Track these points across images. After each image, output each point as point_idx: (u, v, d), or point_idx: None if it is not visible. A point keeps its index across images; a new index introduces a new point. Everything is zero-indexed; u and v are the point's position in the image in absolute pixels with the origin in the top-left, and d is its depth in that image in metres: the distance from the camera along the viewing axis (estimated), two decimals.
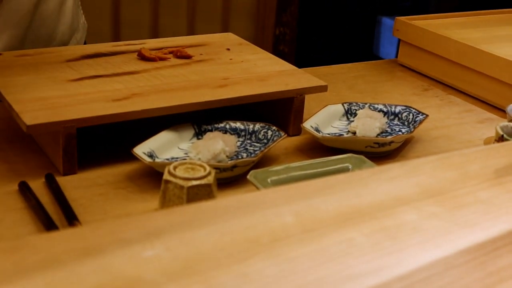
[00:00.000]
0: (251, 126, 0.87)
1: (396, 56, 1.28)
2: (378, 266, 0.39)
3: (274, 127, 0.86)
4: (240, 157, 0.82)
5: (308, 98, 0.92)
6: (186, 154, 0.81)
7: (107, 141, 0.86)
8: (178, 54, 0.98)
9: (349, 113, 0.95)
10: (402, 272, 0.38)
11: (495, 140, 0.85)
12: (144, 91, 0.85)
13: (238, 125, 0.87)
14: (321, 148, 0.88)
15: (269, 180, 0.73)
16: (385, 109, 0.96)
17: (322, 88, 0.93)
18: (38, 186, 0.74)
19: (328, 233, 0.42)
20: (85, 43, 1.17)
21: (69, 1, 1.12)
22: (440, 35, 1.16)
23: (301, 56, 2.89)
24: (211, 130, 0.85)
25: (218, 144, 0.79)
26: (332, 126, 0.92)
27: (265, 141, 0.85)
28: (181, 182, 0.65)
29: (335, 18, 3.04)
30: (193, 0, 2.62)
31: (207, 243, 0.39)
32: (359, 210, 0.45)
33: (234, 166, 0.76)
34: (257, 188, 0.71)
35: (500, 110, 1.07)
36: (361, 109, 0.94)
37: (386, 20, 3.07)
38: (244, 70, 0.95)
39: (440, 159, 0.53)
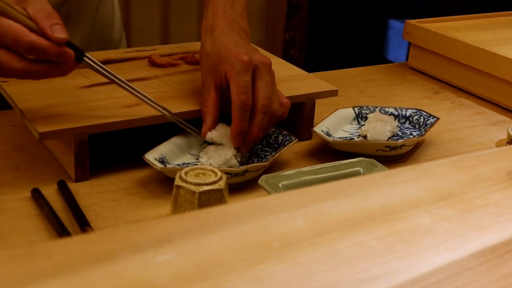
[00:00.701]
0: None
1: (406, 59, 1.28)
2: (390, 269, 0.39)
3: (285, 132, 0.86)
4: (251, 162, 0.82)
5: (318, 103, 0.92)
6: (197, 159, 0.81)
7: (118, 148, 0.86)
8: (189, 60, 0.98)
9: (360, 117, 0.95)
10: (414, 275, 0.38)
11: (507, 142, 0.85)
12: (155, 97, 0.85)
13: None
14: (332, 152, 0.88)
15: (280, 184, 0.73)
16: (396, 113, 0.95)
17: (333, 93, 0.93)
18: (50, 193, 0.74)
19: (340, 237, 0.42)
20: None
21: (116, 4, 1.15)
22: (451, 38, 1.15)
23: (311, 60, 2.89)
24: None
25: (229, 150, 0.79)
26: (343, 130, 0.92)
27: (276, 145, 0.85)
28: (192, 188, 0.65)
29: (344, 22, 3.04)
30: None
31: (219, 248, 0.40)
32: (371, 214, 0.45)
33: (245, 171, 0.76)
34: (268, 193, 0.71)
35: (511, 112, 1.07)
36: (372, 112, 0.94)
37: (395, 23, 3.07)
38: None
39: (451, 162, 0.53)
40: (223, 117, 0.84)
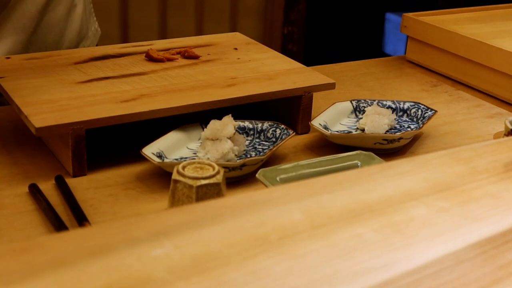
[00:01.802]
0: (259, 125, 0.87)
1: (405, 53, 1.28)
2: (387, 261, 0.39)
3: (282, 126, 0.86)
4: (249, 156, 0.82)
5: (316, 96, 0.92)
6: (195, 154, 0.81)
7: (116, 142, 0.86)
8: (186, 54, 0.98)
9: (358, 110, 0.95)
10: (411, 267, 0.38)
11: (505, 135, 0.85)
12: (152, 91, 0.85)
13: (247, 124, 0.87)
14: (330, 145, 0.88)
15: (278, 178, 0.73)
16: (393, 106, 0.95)
17: (330, 86, 0.93)
18: (48, 188, 0.74)
19: (337, 229, 0.42)
20: None
21: (78, 8, 1.13)
22: (448, 31, 1.15)
23: (309, 54, 2.89)
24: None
25: (227, 144, 0.79)
26: (340, 124, 0.92)
27: (273, 139, 0.85)
28: (190, 182, 0.65)
29: (343, 16, 3.04)
30: (201, 1, 2.62)
31: (216, 241, 0.40)
32: (368, 206, 0.45)
33: (243, 165, 0.76)
34: (266, 187, 0.71)
35: (509, 105, 1.07)
36: (370, 106, 0.94)
37: (393, 17, 3.07)
38: (252, 69, 0.95)
39: (448, 154, 0.53)
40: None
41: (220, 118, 0.82)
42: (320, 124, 0.87)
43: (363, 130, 0.89)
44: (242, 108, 0.88)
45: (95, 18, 1.21)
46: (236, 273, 0.37)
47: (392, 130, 0.90)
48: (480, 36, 1.12)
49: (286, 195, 0.46)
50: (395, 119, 0.92)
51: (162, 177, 0.78)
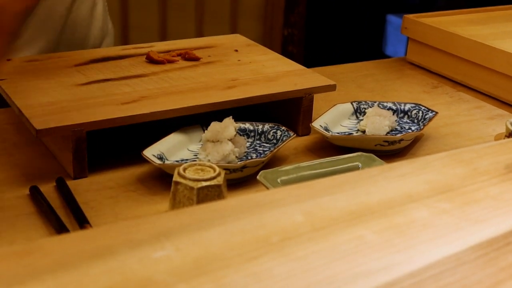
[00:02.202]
0: (260, 127, 0.87)
1: (405, 54, 1.28)
2: (388, 263, 0.39)
3: (283, 127, 0.86)
4: (249, 157, 0.82)
5: (317, 98, 0.92)
6: (195, 155, 0.81)
7: (116, 144, 0.86)
8: (186, 56, 0.98)
9: (358, 112, 0.95)
10: (413, 269, 0.38)
11: (506, 136, 0.85)
12: (152, 93, 0.85)
13: (247, 126, 0.87)
14: (331, 147, 0.88)
15: (279, 180, 0.73)
16: (394, 107, 0.95)
17: (331, 88, 0.93)
18: (49, 190, 0.74)
19: (338, 231, 0.42)
20: None
21: (99, 5, 1.14)
22: (449, 32, 1.15)
23: (310, 56, 2.89)
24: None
25: (228, 145, 0.79)
26: (341, 125, 0.92)
27: (274, 141, 0.85)
28: (191, 183, 0.65)
29: (343, 17, 3.04)
30: (201, 2, 2.62)
31: (217, 243, 0.39)
32: (369, 208, 0.45)
33: (243, 167, 0.76)
34: (267, 188, 0.71)
35: (510, 106, 1.07)
36: (370, 107, 0.94)
37: (394, 19, 3.07)
38: (252, 71, 0.95)
39: (449, 156, 0.53)
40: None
41: (220, 120, 0.82)
42: (320, 125, 0.87)
43: (363, 131, 0.89)
44: (242, 110, 0.88)
45: (109, 17, 1.22)
46: (237, 275, 0.37)
47: (393, 132, 0.90)
48: (481, 37, 1.12)
49: (287, 197, 0.46)
50: (395, 120, 0.92)
51: (163, 179, 0.78)
